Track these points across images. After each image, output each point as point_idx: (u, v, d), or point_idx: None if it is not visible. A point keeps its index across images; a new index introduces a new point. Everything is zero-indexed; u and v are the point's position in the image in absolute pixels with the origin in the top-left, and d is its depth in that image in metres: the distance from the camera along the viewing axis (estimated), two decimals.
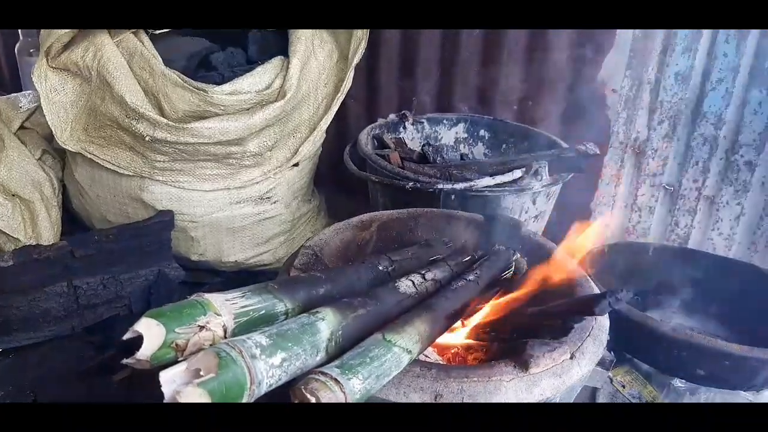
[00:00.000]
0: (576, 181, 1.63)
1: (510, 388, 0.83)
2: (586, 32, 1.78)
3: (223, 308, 0.71)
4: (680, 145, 1.79)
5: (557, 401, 0.89)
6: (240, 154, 1.53)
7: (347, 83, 1.68)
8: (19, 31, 2.39)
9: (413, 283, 0.97)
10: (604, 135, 1.84)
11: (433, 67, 2.03)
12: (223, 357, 0.60)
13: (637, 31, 1.73)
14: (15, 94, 1.85)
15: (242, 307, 0.73)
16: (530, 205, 1.56)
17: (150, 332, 0.62)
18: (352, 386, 0.67)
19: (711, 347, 1.22)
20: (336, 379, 0.66)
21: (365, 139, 1.74)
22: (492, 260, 1.14)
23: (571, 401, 0.97)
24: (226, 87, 1.45)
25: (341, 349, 0.76)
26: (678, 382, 1.36)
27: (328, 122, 1.68)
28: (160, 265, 1.53)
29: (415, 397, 0.81)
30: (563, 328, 0.95)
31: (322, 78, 1.65)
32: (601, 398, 1.38)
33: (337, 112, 1.69)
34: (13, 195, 1.58)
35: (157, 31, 1.54)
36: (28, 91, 1.87)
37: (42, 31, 1.50)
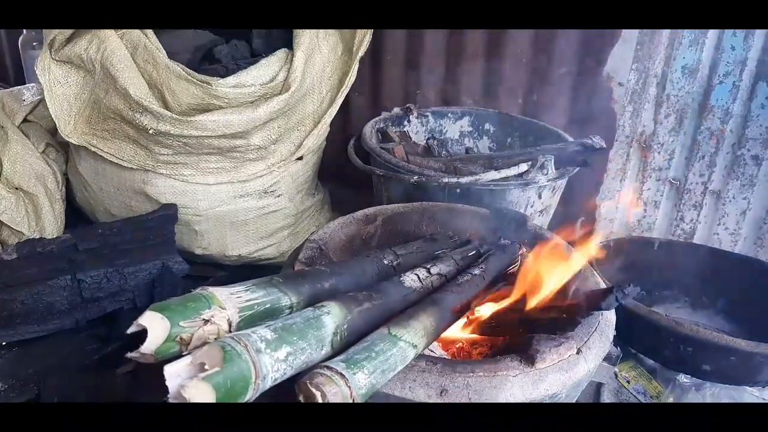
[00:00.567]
0: (581, 175, 1.63)
1: (516, 383, 0.83)
2: None
3: (228, 302, 0.70)
4: (686, 139, 1.78)
5: (563, 396, 0.88)
6: (244, 148, 1.52)
7: (352, 76, 1.67)
8: None
9: (418, 277, 0.97)
10: (609, 129, 1.83)
11: (438, 61, 2.02)
12: (228, 351, 0.59)
13: None
14: (18, 87, 1.86)
15: (247, 300, 0.73)
16: (536, 199, 1.55)
17: (154, 326, 0.62)
18: (357, 381, 0.67)
19: (717, 343, 1.21)
20: (341, 374, 0.66)
21: (370, 132, 1.73)
22: (498, 254, 1.14)
23: (577, 396, 0.96)
24: (230, 80, 1.45)
25: (346, 344, 0.75)
26: (683, 378, 1.36)
27: (333, 115, 1.67)
28: (164, 259, 1.53)
29: (421, 392, 0.81)
30: (570, 322, 0.94)
31: (327, 71, 1.64)
32: (606, 393, 1.37)
33: (341, 105, 1.68)
34: (17, 188, 1.58)
35: None
36: (32, 84, 1.87)
37: None
